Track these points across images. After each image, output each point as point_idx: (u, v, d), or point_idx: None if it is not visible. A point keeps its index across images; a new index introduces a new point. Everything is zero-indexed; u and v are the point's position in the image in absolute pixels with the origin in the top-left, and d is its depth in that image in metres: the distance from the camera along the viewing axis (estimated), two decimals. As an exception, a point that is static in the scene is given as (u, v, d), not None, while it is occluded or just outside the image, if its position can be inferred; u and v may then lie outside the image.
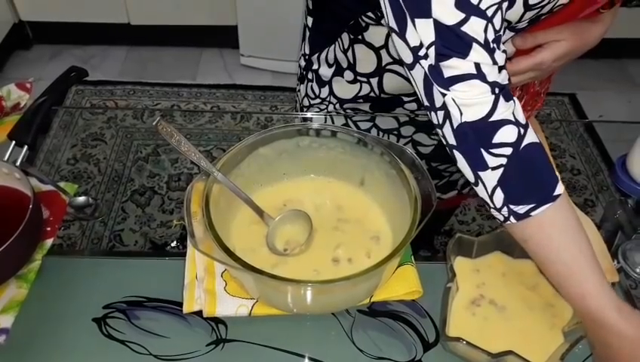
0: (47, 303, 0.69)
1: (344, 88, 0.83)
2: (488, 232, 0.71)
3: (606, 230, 0.82)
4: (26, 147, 0.72)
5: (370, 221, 0.75)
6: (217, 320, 0.70)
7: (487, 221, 1.89)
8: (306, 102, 0.92)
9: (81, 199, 0.77)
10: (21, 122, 0.73)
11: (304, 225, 0.72)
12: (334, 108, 0.87)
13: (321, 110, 0.89)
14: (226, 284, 0.68)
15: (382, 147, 0.72)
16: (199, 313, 0.69)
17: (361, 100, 0.84)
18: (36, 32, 2.43)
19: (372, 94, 0.82)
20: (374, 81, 0.79)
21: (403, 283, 0.69)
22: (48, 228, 0.72)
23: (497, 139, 0.56)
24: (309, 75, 0.89)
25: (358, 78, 0.80)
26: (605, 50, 2.46)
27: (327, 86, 0.85)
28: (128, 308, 0.71)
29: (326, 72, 0.84)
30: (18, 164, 0.71)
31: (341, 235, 0.73)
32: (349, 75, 0.81)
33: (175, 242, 0.78)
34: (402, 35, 0.56)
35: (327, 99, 0.87)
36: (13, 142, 0.72)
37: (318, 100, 0.89)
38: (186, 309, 0.67)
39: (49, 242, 0.72)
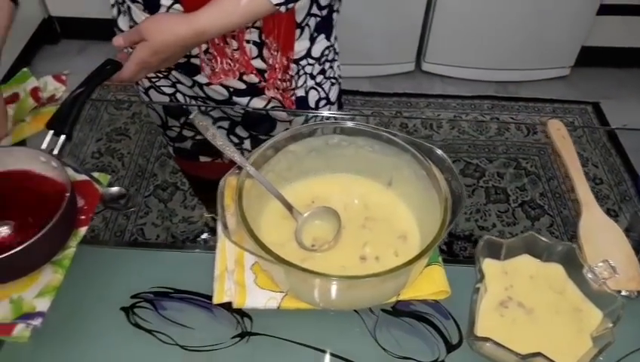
0: (77, 290, 0.71)
1: None
2: (515, 235, 0.72)
3: (633, 240, 0.81)
4: (63, 137, 0.73)
5: (398, 220, 0.75)
6: (242, 314, 0.71)
7: (507, 227, 1.88)
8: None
9: (114, 189, 0.78)
10: (59, 112, 0.74)
11: (332, 222, 0.72)
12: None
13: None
14: (255, 277, 0.69)
15: (412, 146, 0.73)
16: (225, 305, 0.70)
17: None
18: (64, 27, 2.48)
19: None
20: None
21: (431, 283, 0.69)
22: (82, 217, 0.74)
23: None
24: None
25: None
26: (629, 59, 2.45)
27: None
28: (155, 299, 0.73)
29: None
30: (55, 153, 0.72)
31: (368, 233, 0.73)
32: None
33: (206, 234, 0.80)
34: None
35: None
36: (51, 131, 0.74)
37: None
38: (215, 300, 0.68)
39: (83, 230, 0.73)
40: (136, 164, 1.87)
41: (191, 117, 0.66)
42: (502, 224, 1.85)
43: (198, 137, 1.03)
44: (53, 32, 2.46)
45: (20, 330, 0.63)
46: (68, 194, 0.68)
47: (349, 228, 0.73)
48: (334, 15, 0.95)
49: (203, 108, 0.96)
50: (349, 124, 0.75)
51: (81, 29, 2.47)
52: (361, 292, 0.66)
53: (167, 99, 0.98)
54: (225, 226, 0.63)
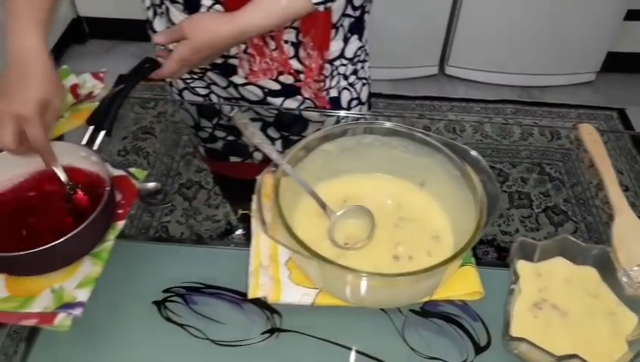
0: (110, 283, 0.72)
1: None
2: (548, 238, 0.72)
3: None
4: (103, 132, 0.75)
5: (431, 220, 0.76)
6: (272, 310, 0.72)
7: (530, 233, 1.86)
8: None
9: (151, 185, 0.80)
10: (99, 109, 0.76)
11: (365, 221, 0.73)
12: None
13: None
14: (290, 273, 0.70)
15: (446, 147, 0.73)
16: (256, 301, 0.71)
17: None
18: (92, 27, 2.52)
19: None
20: None
21: (464, 284, 0.70)
22: (120, 211, 0.76)
23: None
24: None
25: None
26: (657, 65, 2.42)
27: None
28: (187, 293, 0.74)
29: None
30: (95, 148, 0.74)
31: (401, 233, 0.74)
32: None
33: (241, 231, 0.81)
34: None
35: None
36: (92, 127, 0.75)
37: None
38: (250, 295, 0.69)
39: (120, 224, 0.75)
40: (162, 162, 1.89)
41: (231, 114, 0.67)
42: (525, 229, 1.83)
43: (230, 138, 1.05)
44: (82, 31, 2.51)
45: (62, 319, 0.65)
46: (108, 188, 0.69)
47: (381, 227, 0.73)
48: (366, 16, 0.96)
49: (236, 109, 0.97)
50: (384, 124, 0.76)
51: (108, 30, 2.51)
52: (396, 290, 0.66)
53: (200, 100, 0.99)
54: (263, 222, 0.64)
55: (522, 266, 0.69)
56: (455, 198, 0.73)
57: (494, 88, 2.42)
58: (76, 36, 2.49)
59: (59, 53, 2.43)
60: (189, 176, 1.94)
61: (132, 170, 0.82)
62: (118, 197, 0.77)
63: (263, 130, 1.01)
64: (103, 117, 0.75)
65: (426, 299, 0.70)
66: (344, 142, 0.76)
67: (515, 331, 0.63)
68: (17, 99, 0.69)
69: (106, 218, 0.72)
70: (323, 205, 0.73)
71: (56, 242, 0.63)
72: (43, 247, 0.63)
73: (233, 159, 1.11)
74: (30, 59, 0.71)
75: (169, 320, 0.71)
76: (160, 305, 0.73)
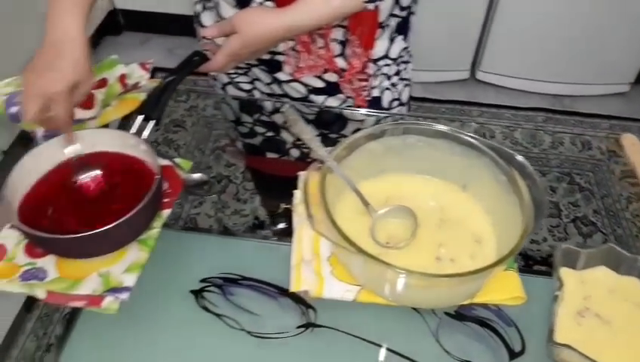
0: (150, 269, 0.73)
1: None
2: (591, 247, 0.71)
3: None
4: (152, 122, 0.76)
5: (473, 223, 0.75)
6: (307, 305, 0.72)
7: (558, 242, 1.84)
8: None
9: (197, 176, 0.81)
10: (150, 98, 0.77)
11: (408, 221, 0.73)
12: None
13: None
14: (332, 269, 0.71)
15: (492, 151, 0.73)
16: (291, 295, 0.72)
17: None
18: (127, 19, 2.55)
19: None
20: None
21: (506, 288, 0.70)
22: (166, 200, 0.77)
23: None
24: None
25: None
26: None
27: None
28: (224, 284, 0.75)
29: None
30: (144, 136, 0.76)
31: (443, 235, 0.74)
32: None
33: (282, 224, 0.81)
34: None
35: None
36: (141, 116, 0.77)
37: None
38: (292, 288, 0.70)
39: (166, 213, 0.76)
40: (192, 155, 1.91)
41: (283, 109, 0.68)
42: (553, 238, 1.82)
43: (268, 134, 1.06)
44: (117, 23, 2.54)
45: (109, 302, 0.66)
46: (158, 177, 0.71)
47: (424, 228, 0.74)
48: (412, 17, 0.96)
49: (278, 105, 0.98)
50: (430, 125, 0.76)
51: (143, 22, 2.54)
52: (439, 291, 0.66)
53: (244, 95, 1.00)
54: (310, 216, 0.65)
55: (566, 273, 0.69)
56: (499, 202, 0.73)
57: (525, 95, 2.40)
58: (112, 28, 2.53)
59: (95, 43, 2.46)
60: (219, 170, 1.96)
61: (177, 160, 0.83)
62: (165, 186, 0.78)
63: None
64: (153, 107, 0.77)
65: (468, 301, 0.70)
66: (389, 141, 0.77)
67: (558, 338, 0.63)
68: (48, 77, 0.71)
69: (154, 206, 0.73)
70: (366, 203, 0.73)
71: (108, 227, 0.64)
72: (94, 231, 0.64)
73: (270, 155, 1.12)
74: (66, 41, 0.73)
75: (206, 309, 0.72)
76: (197, 294, 0.74)
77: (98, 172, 0.78)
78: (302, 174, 0.82)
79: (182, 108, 2.18)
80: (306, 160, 1.07)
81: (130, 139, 0.76)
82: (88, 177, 0.78)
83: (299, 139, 1.03)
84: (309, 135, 0.70)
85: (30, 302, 0.79)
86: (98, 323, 0.70)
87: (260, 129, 1.06)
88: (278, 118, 1.01)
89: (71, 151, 0.76)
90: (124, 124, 0.92)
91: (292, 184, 1.18)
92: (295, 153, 1.07)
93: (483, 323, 0.71)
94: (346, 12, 0.78)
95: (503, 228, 0.72)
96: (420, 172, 0.80)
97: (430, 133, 0.76)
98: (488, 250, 0.72)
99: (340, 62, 0.89)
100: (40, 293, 0.67)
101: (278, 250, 0.82)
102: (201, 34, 0.93)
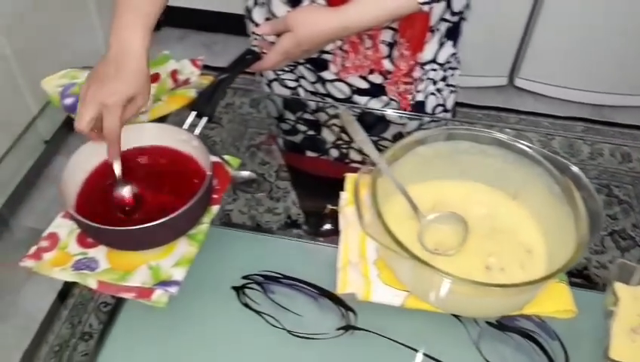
0: (194, 265, 0.73)
1: None
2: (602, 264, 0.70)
3: None
4: (205, 118, 0.77)
5: (523, 233, 0.74)
6: (347, 307, 0.72)
7: (594, 255, 1.81)
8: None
9: (245, 173, 0.82)
10: (203, 95, 0.78)
11: (457, 228, 0.72)
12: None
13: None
14: (379, 272, 0.70)
15: (546, 160, 0.72)
16: (331, 296, 0.72)
17: None
18: (167, 15, 2.58)
19: None
20: None
21: (556, 301, 0.68)
22: (215, 196, 0.77)
23: None
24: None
25: None
26: None
27: None
28: (265, 282, 0.75)
29: None
30: (197, 133, 0.76)
31: (493, 244, 0.73)
32: None
33: (328, 226, 0.82)
34: None
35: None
36: (194, 112, 0.77)
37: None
38: (339, 290, 0.70)
39: (215, 208, 0.77)
40: (228, 152, 1.93)
41: (339, 111, 0.68)
42: (589, 251, 1.78)
43: (310, 132, 1.06)
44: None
45: (159, 296, 0.67)
46: (210, 173, 0.71)
47: (473, 235, 0.73)
48: (463, 23, 0.95)
49: (321, 105, 0.98)
50: (484, 132, 0.75)
51: (182, 18, 2.57)
52: (489, 300, 0.65)
53: (288, 92, 1.00)
54: (361, 217, 0.65)
55: (621, 289, 0.67)
56: (551, 213, 0.72)
57: (564, 104, 2.35)
58: (151, 23, 2.56)
59: (134, 38, 2.50)
60: (253, 167, 1.98)
61: (226, 157, 0.84)
62: (214, 182, 0.79)
63: (343, 127, 1.02)
64: (206, 104, 0.77)
65: (517, 312, 0.69)
66: (440, 146, 0.76)
67: (612, 354, 0.61)
68: (106, 88, 0.71)
69: (205, 201, 0.74)
70: (415, 208, 0.73)
71: (161, 220, 0.65)
72: (148, 224, 0.65)
73: (309, 154, 1.12)
74: (127, 54, 0.73)
75: (247, 306, 0.73)
76: (239, 290, 0.74)
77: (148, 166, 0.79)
78: (349, 176, 0.81)
79: (219, 106, 2.20)
80: (344, 161, 1.07)
81: (182, 135, 0.77)
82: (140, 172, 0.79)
83: (339, 140, 1.03)
84: (362, 137, 0.69)
85: (66, 290, 0.80)
86: (139, 315, 0.71)
87: (301, 127, 1.06)
88: (320, 117, 1.01)
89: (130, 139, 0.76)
90: (173, 119, 0.93)
91: (329, 184, 1.18)
92: (334, 153, 1.07)
93: (525, 334, 0.70)
94: (401, 13, 0.78)
95: (555, 239, 0.71)
96: (469, 178, 0.79)
97: (483, 140, 0.75)
98: (539, 261, 0.71)
99: (387, 64, 0.89)
100: (91, 283, 0.68)
101: (318, 250, 0.82)
102: (252, 30, 0.94)
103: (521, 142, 0.74)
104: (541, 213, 0.74)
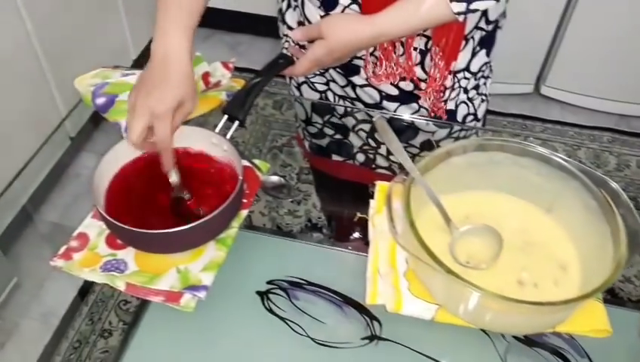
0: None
1: None
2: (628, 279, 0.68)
3: None
4: (237, 123, 0.77)
5: (557, 248, 0.73)
6: (372, 316, 0.71)
7: (619, 269, 1.78)
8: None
9: (275, 178, 0.81)
10: (235, 99, 0.78)
11: (490, 241, 0.71)
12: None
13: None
14: (408, 284, 0.69)
15: (583, 174, 0.70)
16: (356, 305, 0.71)
17: None
18: (192, 14, 2.59)
19: None
20: None
21: (591, 319, 0.67)
22: (244, 200, 0.77)
23: None
24: None
25: None
26: None
27: None
28: (289, 288, 0.74)
29: None
30: (228, 137, 0.76)
31: (526, 258, 0.72)
32: None
33: (357, 234, 0.81)
34: None
35: None
36: (226, 116, 0.77)
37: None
38: (368, 301, 0.69)
39: (244, 213, 0.76)
40: (250, 153, 1.93)
41: (374, 119, 0.67)
42: (615, 265, 1.76)
43: (337, 136, 1.05)
44: (183, 18, 2.59)
45: (187, 300, 0.67)
46: (241, 178, 0.71)
47: (506, 249, 0.71)
48: (498, 32, 0.94)
49: (379, 114, 0.97)
50: (520, 143, 0.74)
51: (207, 19, 2.58)
52: (522, 317, 0.64)
53: (317, 96, 1.00)
54: (393, 228, 0.64)
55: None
56: (587, 229, 0.70)
57: (590, 113, 2.32)
58: (177, 22, 2.58)
59: (160, 37, 2.51)
60: (275, 169, 1.98)
61: (256, 161, 0.83)
62: (244, 186, 0.78)
63: (371, 133, 1.01)
64: (238, 108, 0.77)
65: (550, 330, 0.67)
66: (474, 157, 0.75)
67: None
68: (156, 95, 0.70)
69: (235, 206, 0.73)
70: (448, 219, 0.71)
71: (191, 225, 0.65)
72: (178, 229, 0.65)
73: (335, 158, 1.12)
74: (175, 59, 0.73)
75: (271, 311, 0.72)
76: (263, 296, 0.74)
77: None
78: (379, 184, 0.81)
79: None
80: (370, 166, 1.06)
81: (213, 138, 0.77)
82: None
83: (365, 145, 1.02)
84: (397, 145, 0.68)
85: (86, 287, 0.81)
86: (163, 318, 0.71)
87: (328, 130, 1.05)
88: (348, 122, 1.00)
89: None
90: (198, 120, 0.93)
91: (353, 188, 1.18)
92: (360, 158, 1.06)
93: (554, 351, 0.69)
94: (436, 22, 0.77)
95: (590, 255, 0.69)
96: (503, 190, 0.78)
97: (518, 152, 0.74)
98: (573, 278, 0.69)
99: (419, 72, 0.88)
100: (120, 285, 0.68)
101: (343, 257, 0.82)
102: (284, 32, 0.93)
103: (558, 155, 0.72)
104: (576, 228, 0.73)
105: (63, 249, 0.72)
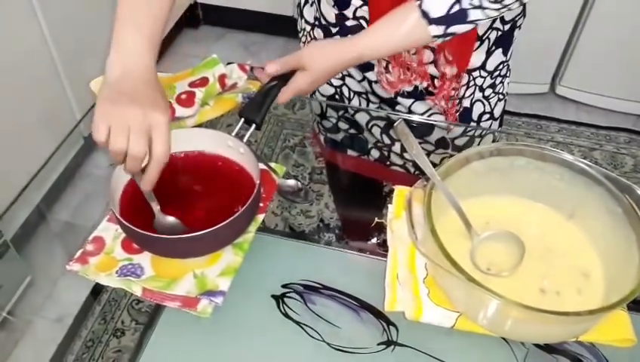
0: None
1: None
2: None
3: None
4: (253, 126, 0.76)
5: (580, 255, 0.71)
6: (388, 321, 0.70)
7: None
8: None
9: (291, 182, 0.80)
10: (252, 102, 0.77)
11: (511, 248, 0.70)
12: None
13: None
14: (428, 291, 0.68)
15: (608, 180, 0.69)
16: (372, 310, 0.70)
17: None
18: (206, 13, 2.60)
19: None
20: None
21: (615, 329, 0.65)
22: (261, 205, 0.76)
23: None
24: None
25: None
26: None
27: None
28: (305, 291, 0.74)
29: None
30: (245, 140, 0.75)
31: (548, 266, 0.70)
32: None
33: (375, 239, 0.80)
34: None
35: None
36: (242, 119, 0.76)
37: None
38: (387, 307, 0.68)
39: (261, 217, 0.76)
40: (262, 152, 1.93)
41: (395, 124, 0.66)
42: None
43: (351, 131, 1.05)
44: (196, 17, 2.59)
45: (204, 306, 0.66)
46: (258, 182, 0.70)
47: (527, 256, 0.70)
48: (516, 31, 0.92)
49: (401, 119, 0.96)
50: (542, 149, 0.72)
51: (221, 17, 2.58)
52: (545, 327, 0.63)
53: (332, 90, 0.99)
54: (414, 234, 0.63)
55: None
56: (611, 236, 0.69)
57: (607, 114, 2.29)
58: (190, 21, 2.58)
59: (173, 35, 2.52)
60: (287, 168, 1.97)
61: (272, 164, 0.82)
62: (261, 190, 0.78)
63: (386, 129, 1.00)
64: (255, 111, 0.76)
65: (573, 339, 0.66)
66: (495, 162, 0.74)
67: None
68: (151, 104, 0.64)
69: (252, 211, 0.73)
70: (469, 225, 0.70)
71: (208, 230, 0.64)
72: (195, 234, 0.64)
73: (350, 153, 1.11)
74: (144, 68, 0.68)
75: (286, 316, 0.72)
76: (279, 299, 0.73)
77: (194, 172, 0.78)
78: (398, 189, 0.79)
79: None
80: (385, 163, 1.05)
81: (230, 141, 0.76)
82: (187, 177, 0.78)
83: (379, 141, 1.01)
84: (417, 150, 0.67)
85: (99, 286, 0.80)
86: (178, 322, 0.70)
87: (343, 125, 1.05)
88: (361, 118, 0.99)
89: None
90: (216, 123, 0.92)
91: (367, 185, 1.16)
92: (375, 154, 1.05)
93: (575, 358, 0.67)
94: (415, 44, 0.78)
95: (614, 263, 0.68)
96: (524, 196, 0.77)
97: (541, 157, 0.72)
98: (596, 286, 0.68)
99: (432, 70, 0.87)
100: (136, 290, 0.68)
101: (359, 261, 0.81)
102: (302, 27, 0.93)
103: (581, 160, 0.71)
104: (599, 235, 0.71)
105: (79, 253, 0.71)
